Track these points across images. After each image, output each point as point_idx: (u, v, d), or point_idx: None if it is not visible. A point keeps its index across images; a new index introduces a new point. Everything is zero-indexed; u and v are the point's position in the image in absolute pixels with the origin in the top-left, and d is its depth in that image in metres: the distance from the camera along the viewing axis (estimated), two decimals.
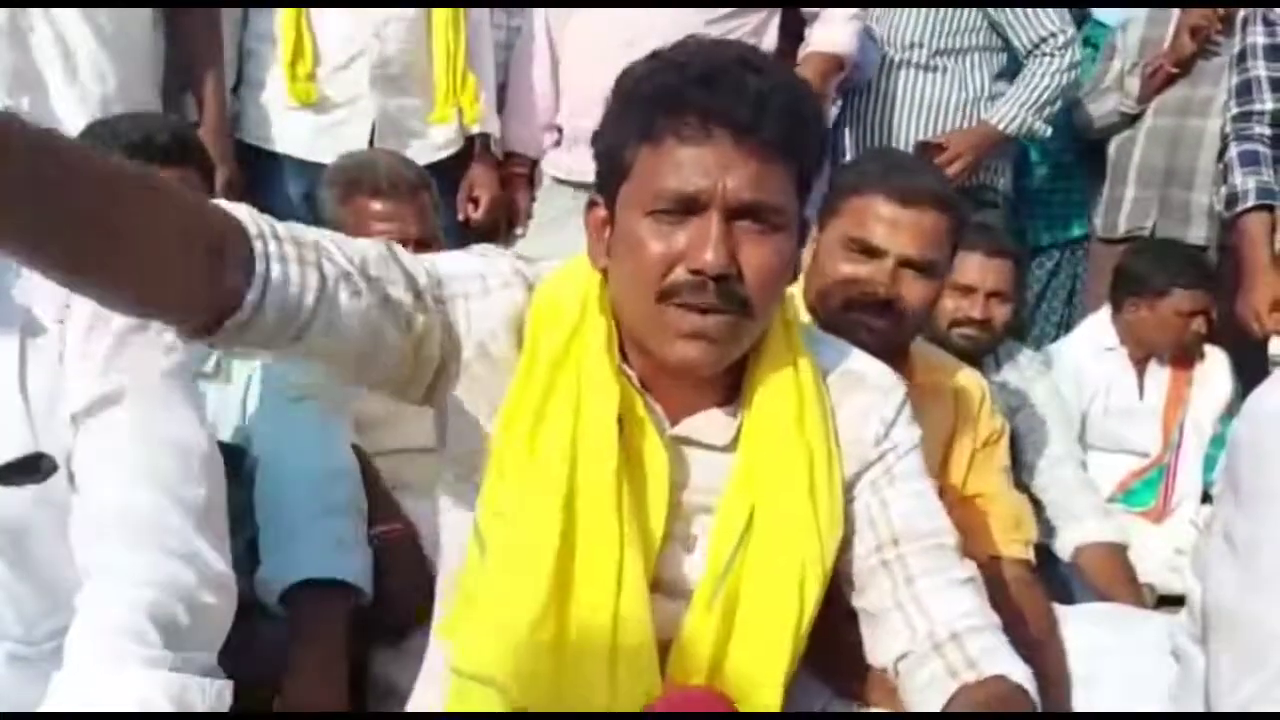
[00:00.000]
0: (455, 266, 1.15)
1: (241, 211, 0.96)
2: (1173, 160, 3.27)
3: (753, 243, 1.09)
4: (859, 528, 1.22)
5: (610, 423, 1.12)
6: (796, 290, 1.68)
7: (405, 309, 1.08)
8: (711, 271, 1.06)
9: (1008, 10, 3.01)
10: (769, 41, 2.71)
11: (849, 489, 1.23)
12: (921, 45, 3.05)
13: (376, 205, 2.08)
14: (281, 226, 0.99)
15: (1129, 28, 3.45)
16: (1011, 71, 3.09)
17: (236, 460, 1.69)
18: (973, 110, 3.07)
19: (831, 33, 2.75)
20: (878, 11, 3.08)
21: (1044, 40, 3.01)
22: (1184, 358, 3.08)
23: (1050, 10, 3.01)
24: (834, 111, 3.09)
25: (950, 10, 3.03)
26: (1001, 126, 3.02)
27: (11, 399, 1.16)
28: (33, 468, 1.17)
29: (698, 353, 1.10)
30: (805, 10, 2.79)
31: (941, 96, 3.08)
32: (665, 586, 1.17)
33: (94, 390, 1.19)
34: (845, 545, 1.23)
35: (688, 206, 1.08)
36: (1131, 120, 3.35)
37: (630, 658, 1.11)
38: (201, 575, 1.16)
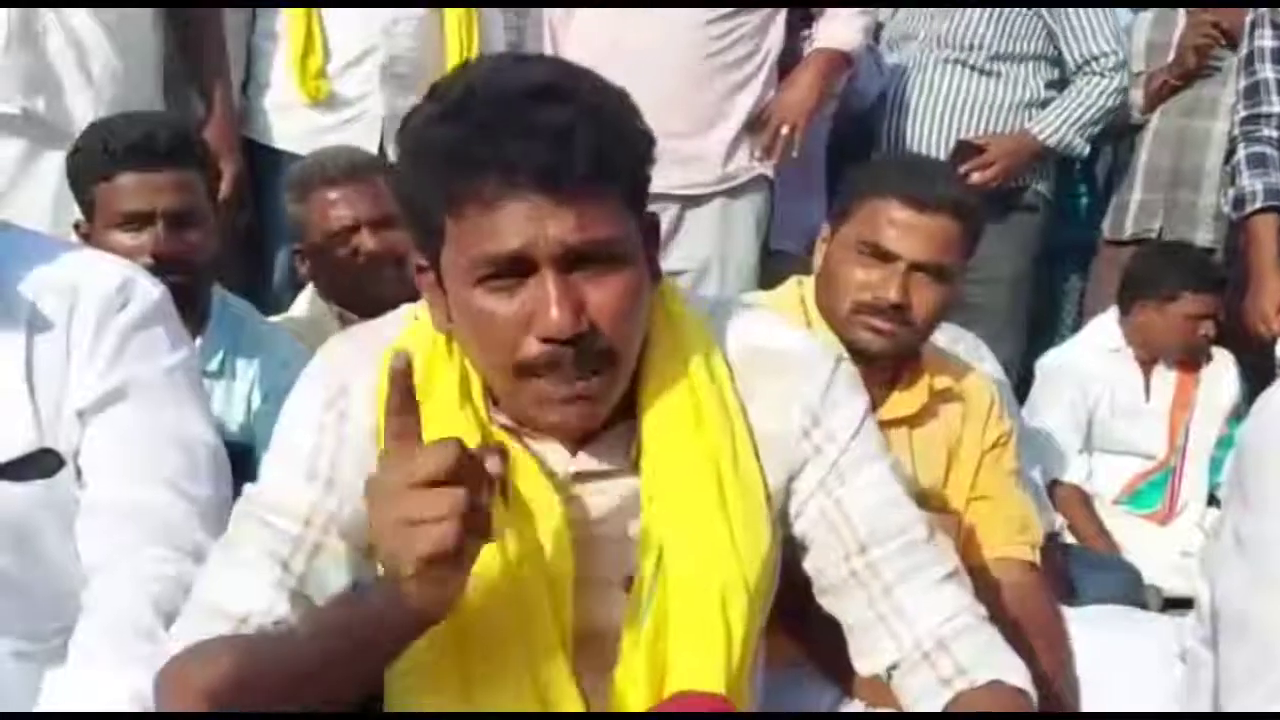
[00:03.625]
0: (297, 473, 1.08)
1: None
2: (1179, 162, 3.27)
3: (598, 288, 0.98)
4: (819, 535, 1.12)
5: None
6: (808, 291, 1.68)
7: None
8: (563, 336, 0.96)
9: (1065, 20, 2.98)
10: (774, 40, 2.70)
11: (785, 494, 1.12)
12: (981, 47, 3.02)
13: (330, 194, 2.09)
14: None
15: (1134, 32, 3.45)
16: (1062, 84, 3.06)
17: (242, 458, 1.69)
18: (1016, 116, 3.05)
19: (838, 30, 2.74)
20: (935, 10, 3.06)
21: (1095, 59, 2.98)
22: (1191, 360, 3.08)
23: (1106, 28, 2.99)
24: (833, 106, 3.09)
25: (1012, 13, 3.00)
26: (1042, 138, 3.00)
27: (18, 395, 1.17)
28: (39, 464, 1.17)
29: (571, 418, 1.02)
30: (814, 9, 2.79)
31: (991, 98, 3.05)
32: (603, 633, 1.08)
33: (100, 387, 1.19)
34: (803, 552, 1.14)
35: (515, 268, 0.97)
36: (1136, 128, 3.35)
37: (559, 704, 1.05)
38: None
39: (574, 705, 1.05)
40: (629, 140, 1.01)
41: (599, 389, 1.01)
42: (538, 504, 1.06)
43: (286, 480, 1.09)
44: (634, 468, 1.09)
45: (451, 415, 1.05)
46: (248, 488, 1.12)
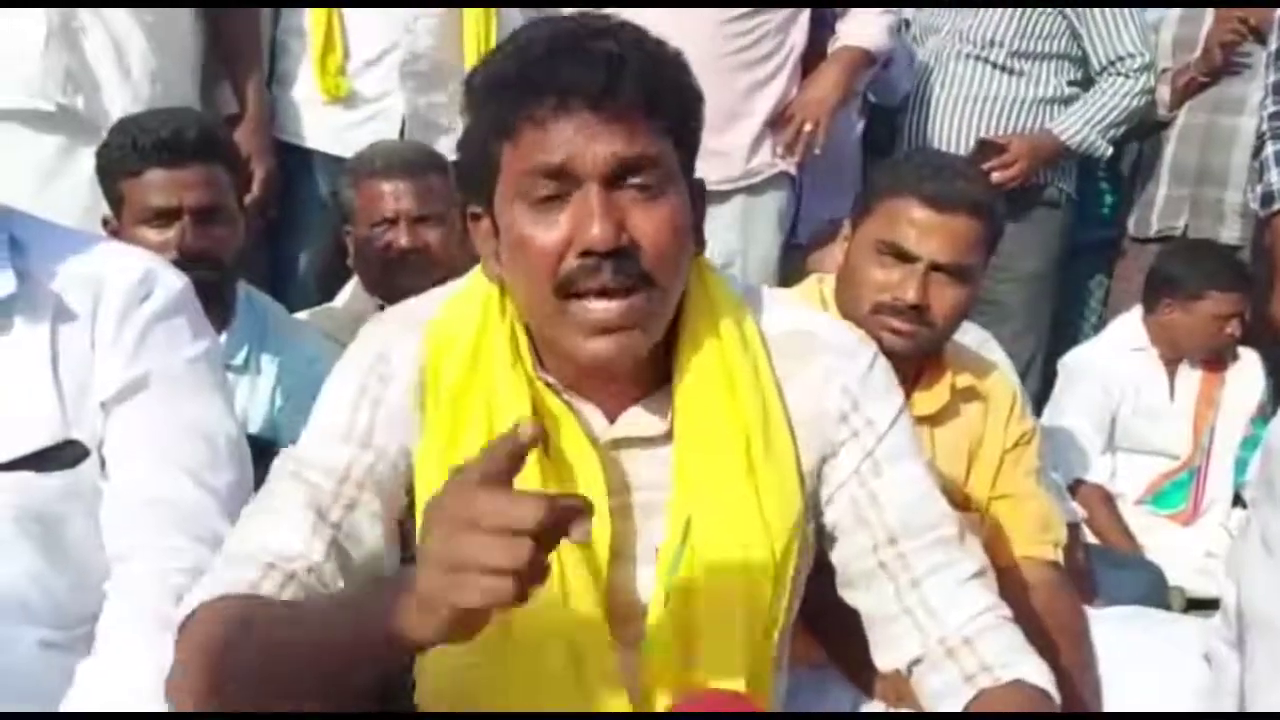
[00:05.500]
0: (336, 437, 1.11)
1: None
2: (1205, 159, 3.24)
3: (641, 210, 1.00)
4: (849, 524, 1.13)
5: None
6: (828, 288, 1.68)
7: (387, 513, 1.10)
8: (601, 247, 0.98)
9: (1090, 20, 2.98)
10: (797, 38, 2.70)
11: (817, 477, 1.13)
12: (1001, 44, 3.02)
13: (380, 185, 2.12)
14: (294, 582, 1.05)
15: (1161, 28, 3.42)
16: (1086, 83, 3.06)
17: (267, 452, 1.70)
18: (1037, 114, 3.04)
19: (860, 27, 2.74)
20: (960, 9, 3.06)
21: (1120, 59, 2.98)
22: (1216, 359, 3.05)
23: (1132, 29, 2.98)
24: (858, 103, 3.08)
25: (1035, 12, 3.00)
26: (1064, 138, 3.00)
27: (44, 387, 1.18)
28: (64, 455, 1.18)
29: (611, 346, 1.01)
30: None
31: (1012, 95, 3.04)
32: (637, 606, 1.10)
33: (123, 377, 1.21)
34: (831, 542, 1.15)
35: (562, 182, 0.99)
36: (1162, 125, 3.33)
37: (595, 674, 1.06)
38: None
39: (610, 676, 1.06)
40: (680, 83, 1.05)
41: (634, 314, 1.01)
42: (579, 466, 1.08)
43: (324, 439, 1.12)
44: (665, 439, 1.10)
45: (504, 374, 1.08)
46: (287, 448, 1.14)
